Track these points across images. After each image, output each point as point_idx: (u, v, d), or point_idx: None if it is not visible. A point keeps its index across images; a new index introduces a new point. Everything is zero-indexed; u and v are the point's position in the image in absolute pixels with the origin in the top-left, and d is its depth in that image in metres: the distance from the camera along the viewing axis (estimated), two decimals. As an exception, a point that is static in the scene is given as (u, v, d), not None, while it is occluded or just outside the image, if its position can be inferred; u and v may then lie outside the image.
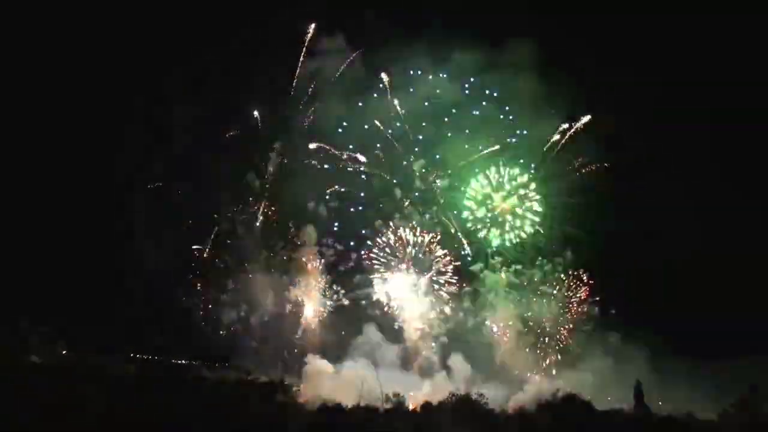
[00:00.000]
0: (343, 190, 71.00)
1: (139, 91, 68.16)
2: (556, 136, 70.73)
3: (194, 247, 68.57)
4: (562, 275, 69.94)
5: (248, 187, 70.27)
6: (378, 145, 71.27)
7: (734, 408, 52.45)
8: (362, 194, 71.85)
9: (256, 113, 70.50)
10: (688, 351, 63.91)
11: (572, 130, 70.52)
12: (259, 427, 54.71)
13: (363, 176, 71.77)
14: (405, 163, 71.76)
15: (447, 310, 69.62)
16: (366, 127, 71.21)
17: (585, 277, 69.99)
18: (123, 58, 69.19)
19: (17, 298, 60.93)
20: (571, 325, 69.78)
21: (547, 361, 69.10)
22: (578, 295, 70.00)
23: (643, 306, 65.19)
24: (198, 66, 69.33)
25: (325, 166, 70.90)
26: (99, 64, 69.40)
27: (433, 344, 69.19)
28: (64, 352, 61.48)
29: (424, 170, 71.48)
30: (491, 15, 70.67)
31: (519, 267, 70.31)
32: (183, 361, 67.52)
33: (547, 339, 69.62)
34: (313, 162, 70.88)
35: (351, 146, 70.90)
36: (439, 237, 70.53)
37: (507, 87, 71.54)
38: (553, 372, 67.56)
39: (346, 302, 70.34)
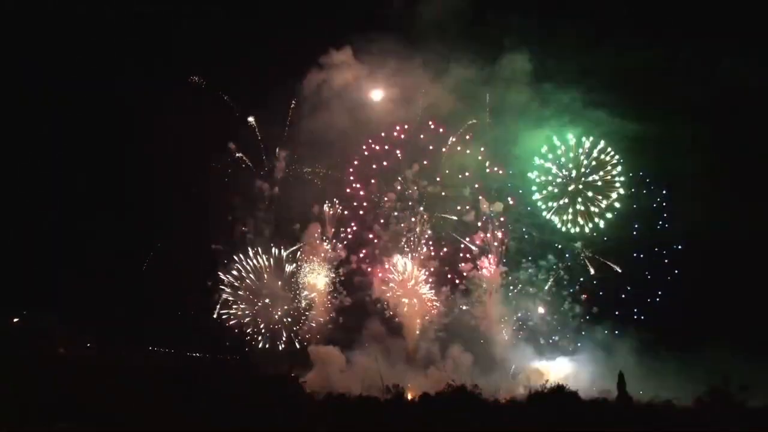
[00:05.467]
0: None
1: (147, 99, 70.85)
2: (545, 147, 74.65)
3: (213, 247, 72.35)
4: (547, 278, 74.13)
5: (258, 191, 74.19)
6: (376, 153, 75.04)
7: (708, 396, 55.89)
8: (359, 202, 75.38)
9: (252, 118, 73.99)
10: (667, 343, 67.79)
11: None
12: (268, 416, 58.17)
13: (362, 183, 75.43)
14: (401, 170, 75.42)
15: (442, 306, 73.55)
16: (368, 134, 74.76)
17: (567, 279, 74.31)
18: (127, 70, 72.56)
19: (45, 293, 64.94)
20: (557, 322, 73.85)
21: (538, 354, 72.80)
22: (563, 294, 73.97)
23: (624, 303, 69.69)
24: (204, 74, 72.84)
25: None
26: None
27: (432, 338, 72.94)
28: (88, 345, 64.91)
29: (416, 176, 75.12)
30: (488, 28, 74.66)
31: (505, 269, 74.24)
32: (197, 355, 71.73)
33: (536, 334, 73.67)
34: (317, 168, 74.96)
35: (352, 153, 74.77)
36: (432, 238, 74.64)
37: (502, 98, 74.97)
38: (543, 364, 71.04)
39: (348, 302, 74.08)
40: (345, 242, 75.04)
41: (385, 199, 74.79)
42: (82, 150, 70.69)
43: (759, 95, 69.13)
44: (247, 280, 72.77)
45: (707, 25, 71.92)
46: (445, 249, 74.96)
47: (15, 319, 64.04)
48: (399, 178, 75.11)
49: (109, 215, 69.35)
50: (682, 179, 72.72)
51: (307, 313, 73.68)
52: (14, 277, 65.26)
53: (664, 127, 69.91)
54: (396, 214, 74.71)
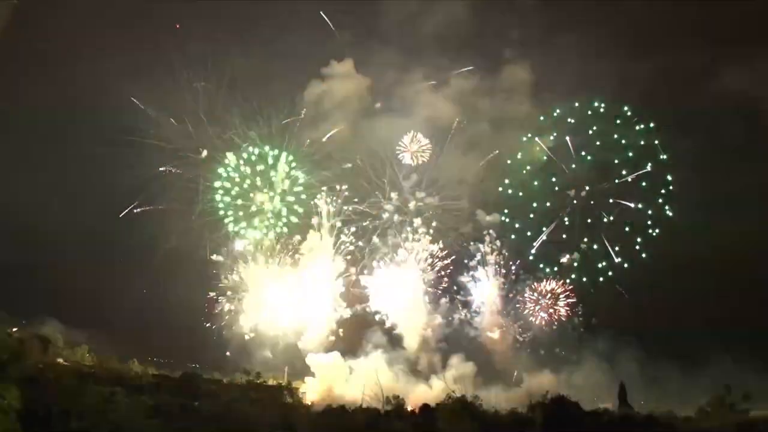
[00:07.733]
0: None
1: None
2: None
3: (213, 257, 72.50)
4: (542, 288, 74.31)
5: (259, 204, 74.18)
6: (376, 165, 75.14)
7: (710, 406, 56.00)
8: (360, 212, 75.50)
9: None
10: (669, 353, 67.94)
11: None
12: (268, 427, 58.14)
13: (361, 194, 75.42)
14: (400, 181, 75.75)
15: (441, 317, 73.84)
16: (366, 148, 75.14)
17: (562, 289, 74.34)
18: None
19: (47, 304, 65.19)
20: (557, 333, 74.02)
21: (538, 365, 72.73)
22: (559, 306, 74.00)
23: (623, 314, 70.00)
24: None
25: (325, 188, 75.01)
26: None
27: (432, 348, 72.97)
28: (87, 354, 65.11)
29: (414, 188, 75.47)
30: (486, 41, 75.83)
31: (504, 280, 74.59)
32: (197, 365, 71.73)
33: (536, 345, 73.90)
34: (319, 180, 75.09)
35: (350, 165, 74.96)
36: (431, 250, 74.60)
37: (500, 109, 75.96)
38: (544, 375, 70.89)
39: (347, 314, 73.98)
40: (345, 254, 75.02)
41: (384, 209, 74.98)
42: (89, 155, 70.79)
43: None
44: (248, 291, 72.67)
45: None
46: (443, 260, 74.94)
47: (14, 329, 64.06)
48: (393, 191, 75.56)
49: (111, 224, 69.73)
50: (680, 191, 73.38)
51: (307, 323, 73.24)
52: (14, 286, 65.51)
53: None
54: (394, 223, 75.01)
